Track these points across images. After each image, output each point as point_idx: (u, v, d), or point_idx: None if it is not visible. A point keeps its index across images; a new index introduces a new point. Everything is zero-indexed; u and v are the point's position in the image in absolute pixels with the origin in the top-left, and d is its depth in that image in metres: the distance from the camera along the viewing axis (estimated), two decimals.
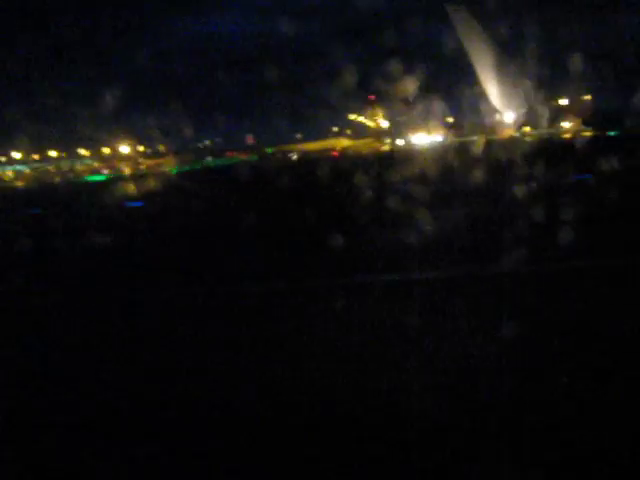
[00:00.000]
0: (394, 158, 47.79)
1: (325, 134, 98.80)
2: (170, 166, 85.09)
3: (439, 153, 48.68)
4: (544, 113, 70.62)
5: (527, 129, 65.96)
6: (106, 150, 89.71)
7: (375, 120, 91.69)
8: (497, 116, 73.07)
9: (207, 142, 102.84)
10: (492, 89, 72.67)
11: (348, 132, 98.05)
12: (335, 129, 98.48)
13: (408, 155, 52.17)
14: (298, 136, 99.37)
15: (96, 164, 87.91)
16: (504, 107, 72.17)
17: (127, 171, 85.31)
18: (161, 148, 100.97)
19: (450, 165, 32.19)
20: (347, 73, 60.69)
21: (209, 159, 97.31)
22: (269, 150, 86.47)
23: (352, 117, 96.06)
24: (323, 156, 67.49)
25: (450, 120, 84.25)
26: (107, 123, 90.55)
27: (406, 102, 75.95)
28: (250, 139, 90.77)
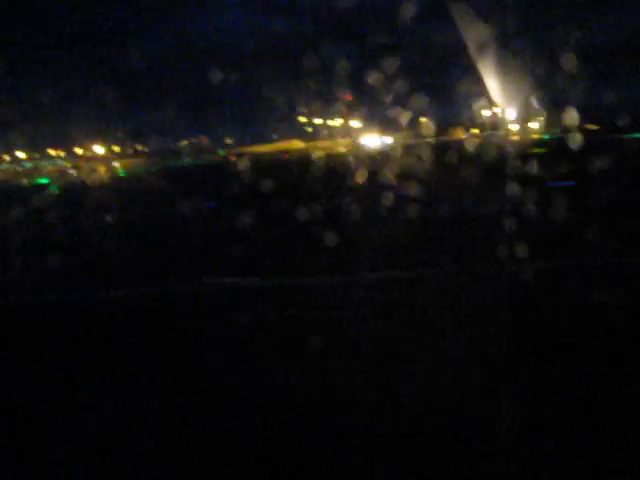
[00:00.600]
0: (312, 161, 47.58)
1: (300, 135, 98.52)
2: (141, 166, 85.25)
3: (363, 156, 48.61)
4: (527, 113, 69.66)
5: (475, 131, 64.99)
6: (79, 150, 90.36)
7: (346, 121, 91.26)
8: (470, 116, 71.99)
9: (185, 142, 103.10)
10: (485, 85, 70.81)
11: (327, 133, 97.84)
12: (309, 130, 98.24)
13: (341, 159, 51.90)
14: (275, 136, 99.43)
15: (67, 165, 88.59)
16: (497, 104, 70.79)
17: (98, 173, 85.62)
18: (140, 148, 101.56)
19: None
20: (325, 72, 60.70)
21: (187, 159, 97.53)
22: (221, 152, 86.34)
23: (324, 118, 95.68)
24: (274, 158, 67.47)
25: (423, 120, 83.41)
26: (83, 123, 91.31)
27: (380, 101, 75.11)
28: (203, 140, 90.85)
